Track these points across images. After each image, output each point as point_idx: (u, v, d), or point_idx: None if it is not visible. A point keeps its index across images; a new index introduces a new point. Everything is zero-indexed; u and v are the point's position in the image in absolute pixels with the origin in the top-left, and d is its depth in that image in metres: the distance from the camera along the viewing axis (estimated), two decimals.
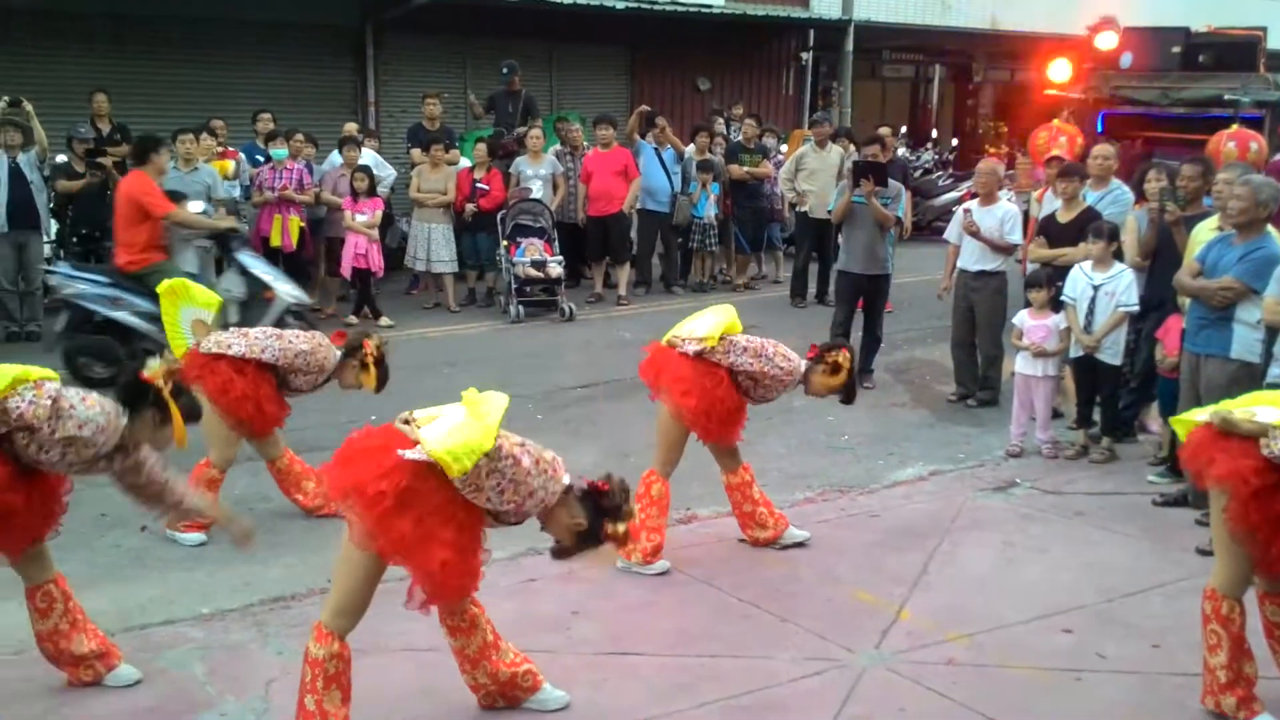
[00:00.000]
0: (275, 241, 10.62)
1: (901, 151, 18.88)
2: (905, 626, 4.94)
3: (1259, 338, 5.87)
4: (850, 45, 18.40)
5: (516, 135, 12.71)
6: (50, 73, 12.63)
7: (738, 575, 5.44)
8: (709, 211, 12.67)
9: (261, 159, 11.27)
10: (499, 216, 11.59)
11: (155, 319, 7.44)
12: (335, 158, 11.65)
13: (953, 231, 8.62)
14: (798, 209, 12.69)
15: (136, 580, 5.28)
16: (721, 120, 14.56)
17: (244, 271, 9.32)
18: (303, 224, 10.77)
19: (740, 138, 13.43)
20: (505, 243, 11.43)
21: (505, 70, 13.34)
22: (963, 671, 4.54)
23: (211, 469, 5.76)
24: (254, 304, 9.23)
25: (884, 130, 12.46)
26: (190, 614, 4.96)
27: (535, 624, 4.80)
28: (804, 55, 19.26)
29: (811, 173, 12.36)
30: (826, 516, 6.31)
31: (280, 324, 8.21)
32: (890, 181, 9.06)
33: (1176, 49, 11.27)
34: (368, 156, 11.54)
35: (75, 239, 10.09)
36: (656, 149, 12.67)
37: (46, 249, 10.49)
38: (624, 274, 12.47)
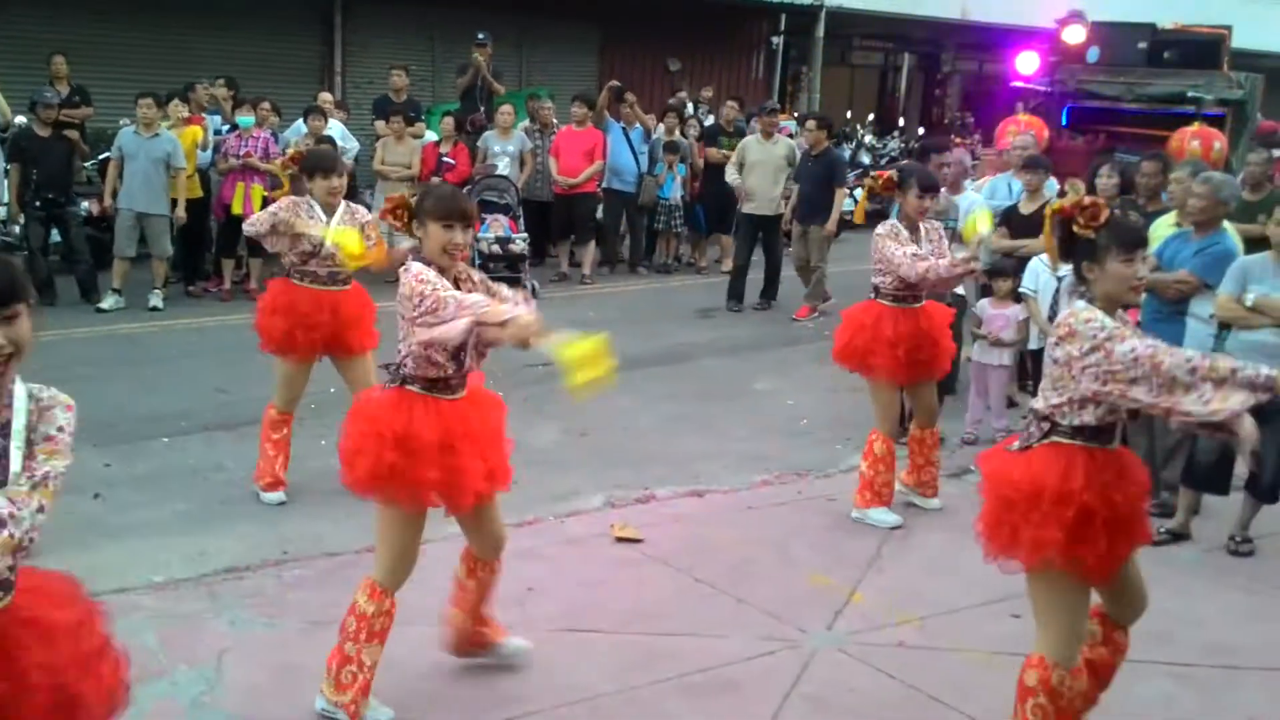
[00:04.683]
0: (237, 209, 10.49)
1: (868, 139, 19.02)
2: (858, 609, 4.99)
3: (1211, 333, 5.95)
4: (821, 31, 18.45)
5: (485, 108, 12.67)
6: (9, 35, 12.43)
7: (694, 555, 5.47)
8: (675, 193, 12.67)
9: (225, 127, 11.14)
10: (464, 191, 11.50)
11: None
12: (300, 127, 11.52)
13: None
14: (740, 208, 11.33)
15: (89, 546, 5.22)
16: (690, 104, 14.51)
17: None
18: (266, 193, 10.63)
19: (722, 120, 13.33)
20: None
21: (480, 37, 13.13)
22: (912, 653, 4.61)
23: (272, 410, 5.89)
24: None
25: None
26: (143, 582, 4.93)
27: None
28: (774, 39, 19.28)
29: (754, 165, 11.12)
30: (784, 499, 6.35)
31: None
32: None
33: (1143, 45, 11.40)
34: (334, 128, 11.41)
35: (38, 203, 9.96)
36: (624, 129, 12.61)
37: (2, 211, 10.36)
38: (588, 253, 12.43)
